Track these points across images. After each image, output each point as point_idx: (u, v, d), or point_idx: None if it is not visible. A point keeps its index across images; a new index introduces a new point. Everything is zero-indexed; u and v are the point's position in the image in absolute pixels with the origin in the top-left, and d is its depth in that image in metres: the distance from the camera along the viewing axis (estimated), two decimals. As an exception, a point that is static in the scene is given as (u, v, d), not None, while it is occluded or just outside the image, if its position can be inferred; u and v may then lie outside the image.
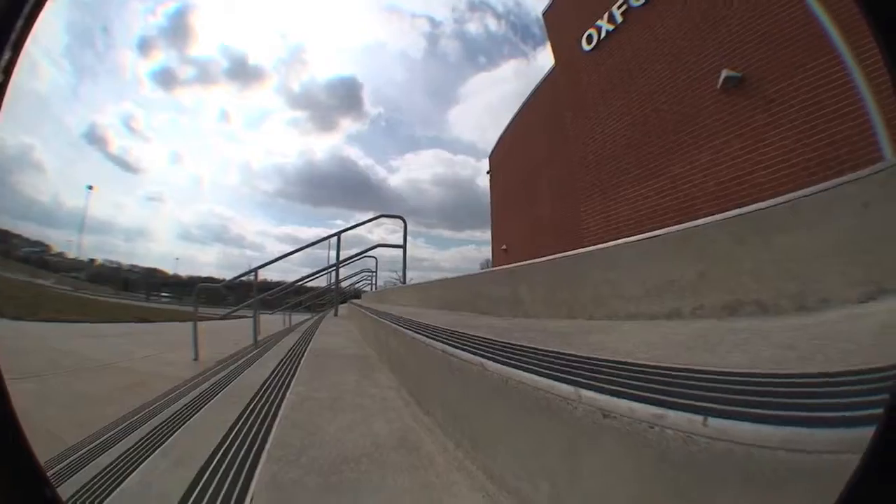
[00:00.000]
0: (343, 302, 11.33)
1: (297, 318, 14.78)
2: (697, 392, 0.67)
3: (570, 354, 1.20)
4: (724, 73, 8.53)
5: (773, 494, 0.50)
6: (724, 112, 8.73)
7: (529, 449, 0.99)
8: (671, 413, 0.62)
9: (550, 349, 1.31)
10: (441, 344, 1.66)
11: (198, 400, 3.07)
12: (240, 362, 5.12)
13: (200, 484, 1.47)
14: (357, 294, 14.96)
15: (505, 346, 1.48)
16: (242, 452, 1.71)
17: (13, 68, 0.75)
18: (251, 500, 1.30)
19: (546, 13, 15.58)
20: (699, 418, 0.58)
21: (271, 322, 9.27)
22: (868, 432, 0.43)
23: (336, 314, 10.08)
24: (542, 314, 2.50)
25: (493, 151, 25.52)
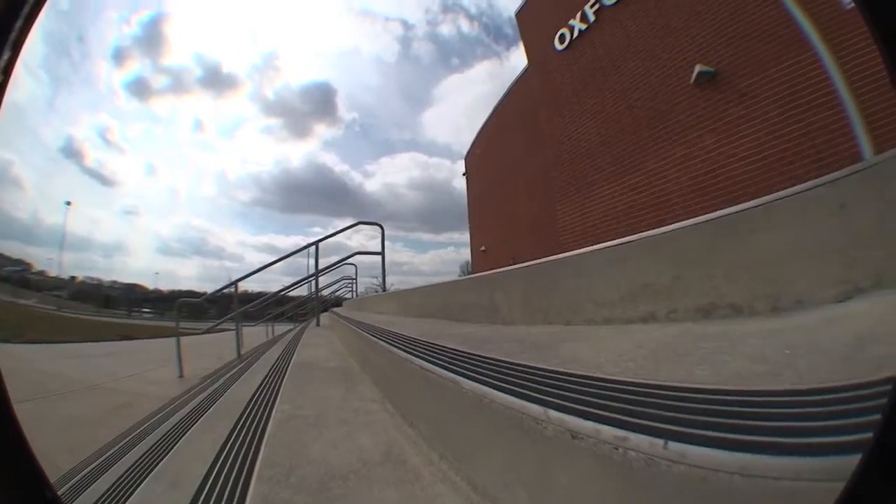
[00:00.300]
0: (324, 311, 11.27)
1: (280, 328, 14.68)
2: (661, 412, 0.69)
3: (542, 369, 1.23)
4: (698, 68, 8.66)
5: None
6: (697, 107, 8.87)
7: (507, 462, 1.03)
8: (633, 436, 0.64)
9: (523, 363, 1.34)
10: (419, 360, 1.69)
11: (186, 420, 3.07)
12: (225, 377, 5.14)
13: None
14: (338, 301, 14.93)
15: (480, 360, 1.51)
16: (234, 473, 1.72)
17: (13, 68, 0.77)
18: None
19: (519, 13, 15.73)
20: (660, 442, 0.61)
21: (254, 334, 9.26)
22: (833, 461, 0.46)
23: (318, 324, 10.04)
24: (519, 321, 2.53)
25: (468, 153, 25.64)
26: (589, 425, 0.73)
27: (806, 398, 0.64)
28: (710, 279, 1.51)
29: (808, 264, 1.27)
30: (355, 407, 2.36)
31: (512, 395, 1.01)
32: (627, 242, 1.86)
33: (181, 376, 7.48)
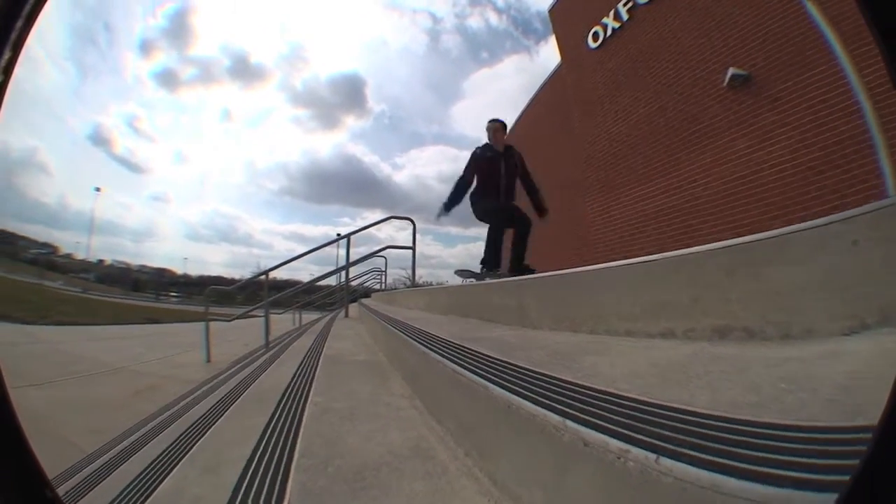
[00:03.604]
0: (353, 301, 11.44)
1: (307, 317, 14.89)
2: (659, 430, 0.81)
3: (564, 381, 1.33)
4: (731, 71, 8.51)
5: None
6: (729, 111, 8.72)
7: (527, 462, 1.15)
8: (633, 449, 0.77)
9: (548, 373, 1.44)
10: (451, 363, 1.79)
11: (219, 406, 3.21)
12: (255, 365, 5.26)
13: (242, 490, 1.59)
14: (367, 293, 14.94)
15: (508, 367, 1.61)
16: (274, 461, 1.83)
17: (13, 68, 0.77)
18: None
19: (552, 9, 15.56)
20: (654, 456, 0.73)
21: (281, 322, 9.32)
22: (790, 494, 0.57)
23: (346, 315, 10.19)
24: (546, 326, 2.61)
25: None
26: (599, 436, 0.86)
27: (782, 433, 0.74)
28: (726, 303, 1.59)
29: (819, 296, 1.34)
30: (386, 402, 2.46)
31: (536, 403, 1.13)
32: (653, 261, 1.95)
33: (208, 361, 7.68)
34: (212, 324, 8.13)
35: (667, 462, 0.71)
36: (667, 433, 0.80)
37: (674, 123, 10.09)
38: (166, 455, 2.23)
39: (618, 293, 2.13)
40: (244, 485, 1.63)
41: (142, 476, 1.98)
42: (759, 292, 1.50)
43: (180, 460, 2.07)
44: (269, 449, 1.99)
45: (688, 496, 0.65)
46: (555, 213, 16.13)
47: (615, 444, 0.81)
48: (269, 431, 2.23)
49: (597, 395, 1.15)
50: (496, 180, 6.36)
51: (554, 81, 18.07)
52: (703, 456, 0.69)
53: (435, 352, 2.12)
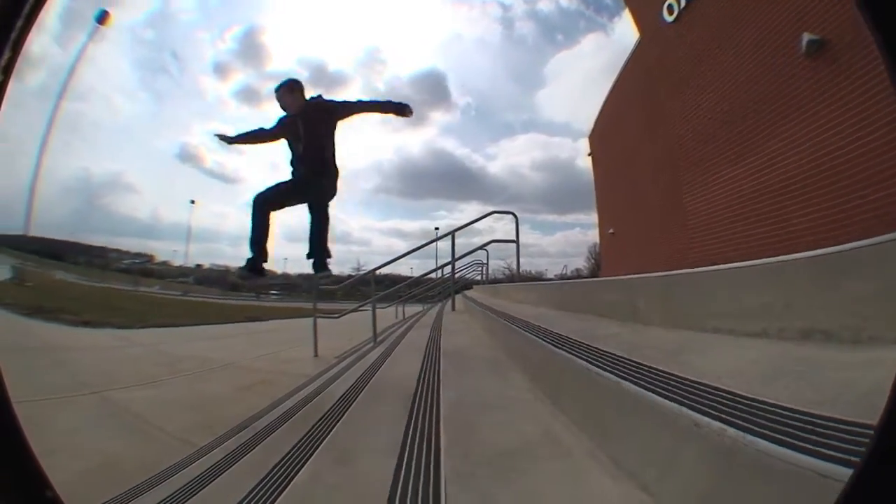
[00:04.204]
0: (456, 293, 11.76)
1: (409, 310, 15.07)
2: (746, 416, 1.09)
3: (679, 377, 1.52)
4: (806, 37, 7.97)
5: (753, 478, 0.96)
6: (810, 81, 8.17)
7: (645, 445, 1.40)
8: (730, 430, 1.04)
9: (664, 369, 1.63)
10: (579, 360, 2.00)
11: (355, 397, 3.31)
12: (370, 359, 5.40)
13: (402, 470, 1.79)
14: (467, 284, 15.19)
15: (628, 363, 1.82)
16: (425, 448, 2.01)
17: (13, 68, 0.78)
18: (445, 484, 1.61)
19: (621, -17, 14.77)
20: (742, 435, 1.01)
21: (383, 315, 9.55)
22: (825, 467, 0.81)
23: (454, 308, 10.44)
24: (656, 323, 2.76)
25: (591, 132, 24.20)
26: (705, 420, 1.12)
27: (833, 424, 0.98)
28: (810, 308, 1.77)
29: (886, 307, 1.48)
30: (511, 395, 2.65)
31: (659, 395, 1.37)
32: (752, 266, 2.12)
33: (316, 356, 7.75)
34: (307, 319, 8.31)
35: (750, 439, 0.99)
36: (751, 418, 1.08)
37: (759, 98, 9.58)
38: (301, 446, 2.37)
39: (722, 294, 2.31)
40: (403, 466, 1.83)
41: (279, 466, 2.10)
42: (837, 300, 1.67)
43: (316, 450, 2.24)
44: (418, 436, 2.19)
45: (765, 463, 0.93)
46: (657, 200, 15.20)
47: (717, 425, 1.08)
48: (412, 421, 2.43)
49: (706, 387, 1.38)
50: (297, 149, 4.90)
51: (636, 58, 17.28)
52: (778, 436, 0.97)
53: (563, 349, 2.32)
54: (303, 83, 4.85)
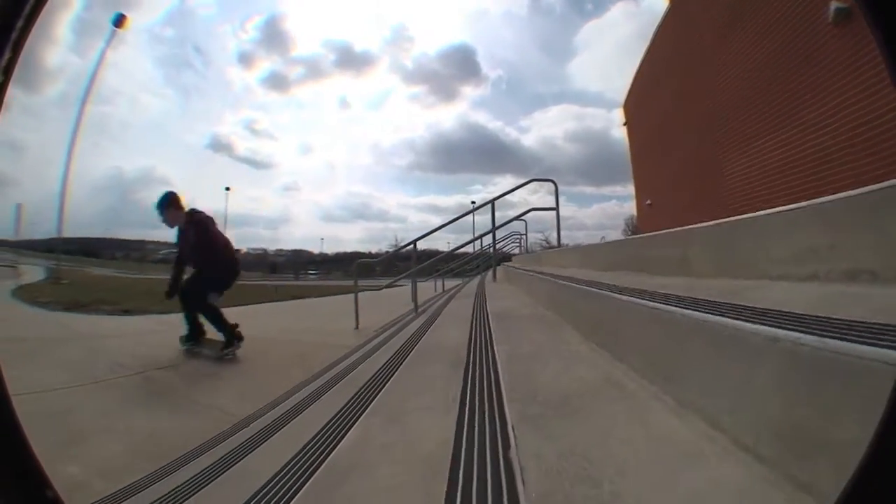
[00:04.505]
0: (497, 264, 11.83)
1: (448, 283, 15.20)
2: (818, 329, 1.13)
3: (745, 305, 1.54)
4: (834, 5, 7.54)
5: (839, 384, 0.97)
6: (841, 49, 7.76)
7: (714, 377, 1.37)
8: (803, 336, 1.08)
9: (729, 301, 1.64)
10: (640, 300, 2.00)
11: (395, 358, 3.45)
12: (415, 326, 5.47)
13: (466, 417, 1.84)
14: (505, 257, 15.06)
15: (690, 301, 1.80)
16: (486, 397, 2.04)
17: (13, 68, 0.77)
18: (513, 428, 1.62)
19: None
20: (809, 337, 1.06)
21: (422, 290, 9.62)
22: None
23: (495, 279, 10.54)
24: (708, 274, 2.71)
25: (626, 101, 23.42)
26: (781, 333, 1.13)
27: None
28: (856, 249, 1.77)
29: None
30: (565, 347, 2.66)
31: (727, 318, 1.37)
32: (798, 209, 2.11)
33: (357, 328, 7.88)
34: (351, 295, 8.36)
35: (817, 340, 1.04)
36: (811, 328, 1.13)
37: (792, 65, 9.20)
38: (353, 402, 2.44)
39: (770, 241, 2.29)
40: (466, 413, 1.88)
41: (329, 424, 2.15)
42: (884, 241, 1.66)
43: (370, 409, 2.28)
44: (478, 385, 2.23)
45: (822, 355, 0.99)
46: (693, 171, 14.80)
47: (790, 334, 1.10)
48: (469, 373, 2.48)
49: (773, 311, 1.39)
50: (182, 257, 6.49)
51: (666, 25, 16.71)
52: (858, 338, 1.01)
53: (621, 295, 2.29)
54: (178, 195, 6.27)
